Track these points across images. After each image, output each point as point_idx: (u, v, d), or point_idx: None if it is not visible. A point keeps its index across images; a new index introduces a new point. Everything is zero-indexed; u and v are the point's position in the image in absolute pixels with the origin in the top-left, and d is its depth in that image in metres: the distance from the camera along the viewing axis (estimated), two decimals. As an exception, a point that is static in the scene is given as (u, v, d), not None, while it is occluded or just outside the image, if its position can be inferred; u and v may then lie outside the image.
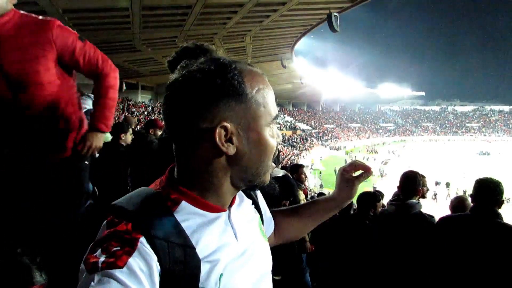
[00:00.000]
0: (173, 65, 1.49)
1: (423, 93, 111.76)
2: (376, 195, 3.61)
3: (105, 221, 0.67)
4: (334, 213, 1.10)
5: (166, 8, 14.59)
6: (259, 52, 25.98)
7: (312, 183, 32.56)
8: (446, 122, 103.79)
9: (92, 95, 3.92)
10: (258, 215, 0.92)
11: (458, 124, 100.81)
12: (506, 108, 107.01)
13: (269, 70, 31.98)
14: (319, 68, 56.98)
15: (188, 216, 0.70)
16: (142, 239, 0.61)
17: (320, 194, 7.89)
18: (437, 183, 33.33)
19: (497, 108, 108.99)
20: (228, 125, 0.68)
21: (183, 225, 0.68)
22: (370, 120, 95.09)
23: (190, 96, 0.68)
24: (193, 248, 0.66)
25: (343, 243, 3.28)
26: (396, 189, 3.18)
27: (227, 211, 0.78)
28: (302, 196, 4.51)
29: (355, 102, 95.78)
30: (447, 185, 34.61)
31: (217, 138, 0.68)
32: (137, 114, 29.47)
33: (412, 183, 2.93)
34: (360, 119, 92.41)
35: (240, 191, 0.87)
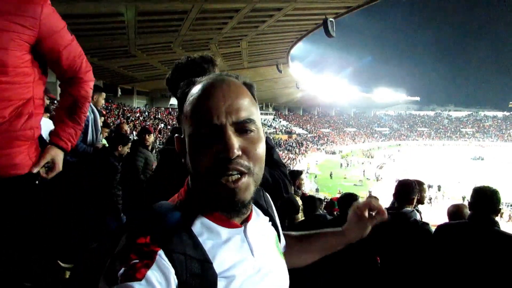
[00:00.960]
0: (171, 83, 1.45)
1: (418, 98, 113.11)
2: (355, 196, 3.57)
3: (124, 235, 0.67)
4: (341, 248, 1.05)
5: (161, 14, 14.62)
6: (255, 57, 26.10)
7: (308, 187, 32.54)
8: (441, 127, 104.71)
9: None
10: (275, 233, 0.90)
11: (452, 129, 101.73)
12: (500, 114, 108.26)
13: (265, 75, 32.14)
14: (315, 73, 57.35)
15: (205, 230, 0.70)
16: (161, 252, 0.61)
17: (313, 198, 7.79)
18: (429, 187, 33.67)
19: (490, 114, 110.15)
20: (180, 135, 0.72)
21: (200, 239, 0.68)
22: (366, 125, 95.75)
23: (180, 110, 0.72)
24: (210, 263, 0.65)
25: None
26: (387, 196, 3.18)
27: (243, 226, 0.76)
28: (300, 202, 4.49)
29: (350, 107, 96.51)
30: (439, 188, 35.31)
31: (176, 148, 0.72)
32: (133, 119, 29.40)
33: (406, 192, 2.95)
34: (355, 123, 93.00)
35: (257, 208, 0.87)
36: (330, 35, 15.33)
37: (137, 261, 0.59)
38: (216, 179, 0.65)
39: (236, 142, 0.64)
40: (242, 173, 0.66)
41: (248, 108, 0.69)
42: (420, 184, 3.20)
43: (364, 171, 43.63)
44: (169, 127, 31.72)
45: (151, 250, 0.61)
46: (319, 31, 17.96)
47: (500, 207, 2.47)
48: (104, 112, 26.16)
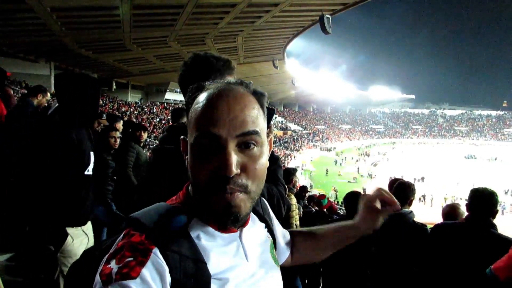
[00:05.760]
0: (180, 80, 1.38)
1: (413, 96, 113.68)
2: (359, 194, 3.60)
3: (121, 233, 0.68)
4: (353, 241, 1.02)
5: (157, 8, 14.50)
6: (251, 53, 26.01)
7: (303, 183, 32.61)
8: (435, 125, 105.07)
9: None
10: (270, 239, 0.90)
11: (447, 128, 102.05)
12: (494, 113, 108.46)
13: (261, 70, 32.05)
14: (311, 70, 57.34)
15: (200, 232, 0.70)
16: (155, 250, 0.62)
17: (311, 197, 7.89)
18: (414, 180, 35.45)
19: (484, 112, 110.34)
20: (185, 137, 0.72)
21: (196, 241, 0.68)
22: (361, 122, 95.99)
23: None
24: (204, 263, 0.66)
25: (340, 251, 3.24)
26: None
27: (239, 231, 0.77)
28: (294, 200, 4.49)
29: (346, 104, 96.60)
30: (422, 179, 37.18)
31: (182, 149, 0.73)
32: (127, 114, 29.21)
33: (404, 193, 2.95)
34: (350, 120, 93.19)
35: (253, 214, 0.86)
36: (326, 31, 15.29)
37: (132, 259, 0.60)
38: (212, 193, 0.65)
39: (235, 159, 0.64)
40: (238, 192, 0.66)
41: (254, 120, 0.68)
42: (411, 185, 3.21)
43: (358, 169, 43.83)
44: (163, 122, 31.56)
45: (146, 248, 0.61)
46: (316, 27, 17.91)
47: (497, 209, 2.47)
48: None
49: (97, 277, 0.60)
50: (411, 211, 2.90)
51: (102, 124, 4.80)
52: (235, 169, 0.63)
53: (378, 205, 0.94)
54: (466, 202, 2.55)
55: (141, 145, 4.74)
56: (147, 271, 0.59)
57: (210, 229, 0.72)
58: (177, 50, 21.88)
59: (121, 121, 5.16)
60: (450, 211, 3.41)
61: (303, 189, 7.25)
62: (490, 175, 42.03)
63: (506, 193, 33.44)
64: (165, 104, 38.86)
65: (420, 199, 29.12)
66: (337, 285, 3.17)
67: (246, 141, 0.66)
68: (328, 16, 15.28)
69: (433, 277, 2.51)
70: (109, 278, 0.57)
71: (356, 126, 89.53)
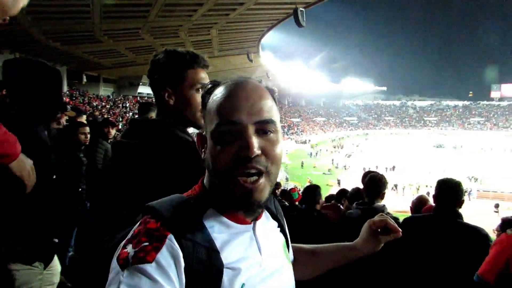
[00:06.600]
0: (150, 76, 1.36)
1: (385, 88, 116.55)
2: (319, 188, 3.80)
3: (138, 221, 0.71)
4: (351, 261, 1.07)
5: (128, -2, 14.11)
6: (226, 46, 25.77)
7: (279, 176, 32.87)
8: (406, 116, 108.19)
9: None
10: (283, 238, 0.92)
11: (417, 118, 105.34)
12: (460, 103, 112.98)
13: (235, 64, 31.85)
14: (286, 63, 57.54)
15: (214, 223, 0.73)
16: (171, 236, 0.65)
17: (284, 191, 7.97)
18: (386, 169, 36.84)
19: (452, 103, 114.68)
20: (201, 132, 0.79)
21: (210, 230, 0.71)
22: (335, 114, 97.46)
23: None
24: (217, 252, 0.68)
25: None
26: (355, 185, 3.21)
27: (252, 224, 0.79)
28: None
29: (320, 97, 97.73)
30: (393, 168, 38.63)
31: (197, 144, 0.78)
32: (99, 108, 28.40)
33: (377, 186, 2.99)
34: (325, 113, 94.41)
35: (267, 213, 0.89)
36: (300, 25, 15.33)
37: (147, 244, 0.63)
38: (235, 177, 0.69)
39: (256, 141, 0.68)
40: (260, 174, 0.70)
41: (270, 110, 0.72)
42: (383, 177, 3.27)
43: (333, 160, 44.55)
44: (136, 116, 30.88)
45: (162, 234, 0.65)
46: (290, 20, 17.94)
47: (463, 198, 2.54)
48: (68, 99, 25.09)
49: (114, 261, 0.63)
50: (384, 205, 2.95)
51: (67, 117, 4.53)
52: (256, 150, 0.67)
53: (379, 230, 1.01)
54: (433, 193, 2.61)
55: (109, 141, 4.59)
56: (162, 256, 0.62)
57: (225, 219, 0.74)
58: (150, 42, 21.38)
59: (84, 116, 4.86)
60: (419, 204, 3.53)
61: (275, 184, 7.33)
62: (457, 162, 44.00)
63: (470, 179, 34.87)
64: (138, 98, 37.98)
65: (392, 188, 29.97)
66: (321, 277, 3.23)
67: (264, 128, 0.70)
68: (301, 9, 15.31)
69: (408, 270, 2.57)
70: (126, 261, 0.61)
71: (331, 119, 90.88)
